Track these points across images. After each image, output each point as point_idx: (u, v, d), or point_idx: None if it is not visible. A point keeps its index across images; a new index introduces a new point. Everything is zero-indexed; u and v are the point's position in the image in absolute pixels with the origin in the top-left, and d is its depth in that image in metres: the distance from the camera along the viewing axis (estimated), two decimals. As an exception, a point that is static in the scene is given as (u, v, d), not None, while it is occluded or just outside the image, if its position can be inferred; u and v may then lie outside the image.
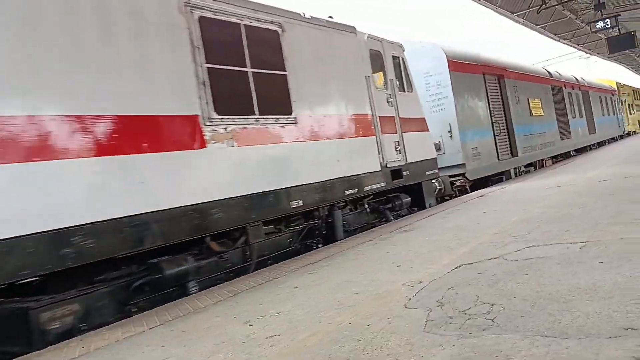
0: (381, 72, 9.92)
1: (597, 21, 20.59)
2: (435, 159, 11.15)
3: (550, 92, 19.89)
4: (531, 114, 17.36)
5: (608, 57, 38.94)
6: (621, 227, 5.30)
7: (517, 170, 16.03)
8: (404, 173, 9.80)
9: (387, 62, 9.98)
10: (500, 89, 15.89)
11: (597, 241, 4.88)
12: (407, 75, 10.62)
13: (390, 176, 9.36)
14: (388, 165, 9.25)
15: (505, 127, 15.61)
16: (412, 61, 11.50)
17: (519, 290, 3.80)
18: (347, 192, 8.24)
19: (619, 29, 21.95)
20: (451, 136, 12.80)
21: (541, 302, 3.45)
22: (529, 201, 8.81)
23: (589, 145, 25.29)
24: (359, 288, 4.73)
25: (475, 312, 3.49)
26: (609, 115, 30.18)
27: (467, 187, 12.98)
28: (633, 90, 41.47)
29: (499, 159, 14.71)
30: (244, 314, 4.52)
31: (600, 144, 27.58)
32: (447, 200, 12.19)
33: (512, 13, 23.60)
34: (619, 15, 20.84)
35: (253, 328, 4.04)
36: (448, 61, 12.98)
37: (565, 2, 23.15)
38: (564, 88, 21.65)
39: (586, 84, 25.72)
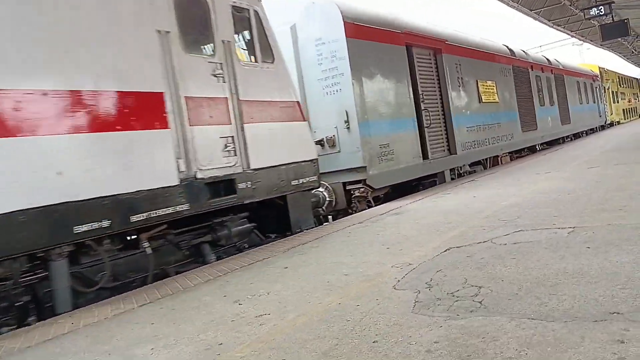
0: (203, 30, 6.62)
1: (591, 8, 20.58)
2: (313, 160, 7.85)
3: (511, 73, 16.58)
4: (480, 100, 14.11)
5: (601, 45, 38.97)
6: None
7: (458, 171, 12.86)
8: (241, 185, 6.58)
9: (216, 15, 6.61)
10: (437, 67, 12.42)
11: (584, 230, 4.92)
12: (263, 38, 7.26)
13: (207, 192, 6.14)
14: (200, 176, 6.01)
15: (441, 117, 12.31)
16: (303, 25, 9.45)
17: (507, 273, 3.84)
18: (80, 229, 4.87)
19: (612, 17, 21.98)
20: (348, 128, 9.28)
21: (528, 285, 3.49)
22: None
23: (562, 138, 22.33)
24: (348, 269, 4.76)
25: (463, 294, 3.53)
26: (588, 103, 27.09)
27: (370, 199, 9.64)
28: (618, 76, 40.16)
29: (427, 158, 11.27)
30: (234, 293, 4.54)
31: (577, 136, 24.93)
32: (340, 217, 9.11)
33: (507, -3, 23.51)
34: (613, 2, 20.82)
35: (243, 307, 4.06)
36: (345, 23, 9.25)
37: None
38: (530, 70, 18.42)
39: (561, 67, 22.55)
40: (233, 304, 4.20)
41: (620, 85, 40.54)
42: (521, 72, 17.56)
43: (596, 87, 29.48)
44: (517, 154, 17.29)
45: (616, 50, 47.01)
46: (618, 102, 39.08)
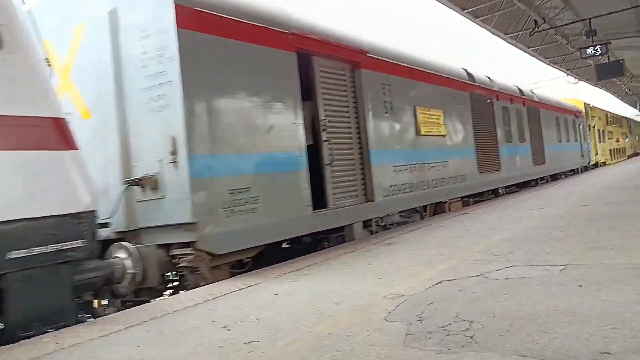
0: None
1: (587, 47, 20.95)
2: (81, 214, 4.98)
3: (468, 102, 13.54)
4: (419, 133, 10.96)
5: (596, 84, 39.63)
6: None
7: (377, 224, 9.58)
8: None
9: None
10: (355, 85, 9.24)
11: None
12: None
13: None
14: None
15: (355, 152, 9.13)
16: (126, 9, 6.55)
17: (499, 308, 3.83)
18: None
19: (608, 57, 22.36)
20: (175, 163, 6.09)
21: (520, 322, 3.47)
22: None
23: (535, 180, 19.23)
24: (339, 298, 4.72)
25: (454, 328, 3.50)
26: (568, 141, 23.87)
27: (206, 272, 6.18)
28: (606, 114, 37.43)
29: (323, 208, 8.17)
30: (223, 318, 4.49)
31: (555, 178, 21.96)
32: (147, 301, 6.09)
33: (505, 34, 23.96)
34: (609, 42, 21.23)
35: (231, 333, 4.01)
36: (177, 8, 6.16)
37: (557, 26, 23.54)
38: (495, 100, 15.39)
39: (536, 99, 19.61)
40: (222, 329, 4.15)
41: (608, 123, 37.52)
42: (482, 101, 14.48)
43: (579, 125, 26.40)
44: (478, 198, 14.36)
45: (611, 89, 47.80)
46: (604, 141, 35.46)
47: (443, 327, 3.55)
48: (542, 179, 20.09)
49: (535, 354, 2.89)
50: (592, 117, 31.36)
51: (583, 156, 26.79)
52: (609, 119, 38.72)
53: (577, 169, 25.91)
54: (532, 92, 19.94)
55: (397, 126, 10.38)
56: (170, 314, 4.86)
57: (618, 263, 4.84)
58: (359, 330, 3.69)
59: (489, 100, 15.00)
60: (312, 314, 4.29)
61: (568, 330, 3.20)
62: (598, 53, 20.86)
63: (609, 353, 2.77)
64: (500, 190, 15.87)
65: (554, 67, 32.98)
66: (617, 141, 41.93)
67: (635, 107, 61.23)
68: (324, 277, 5.82)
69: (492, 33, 23.49)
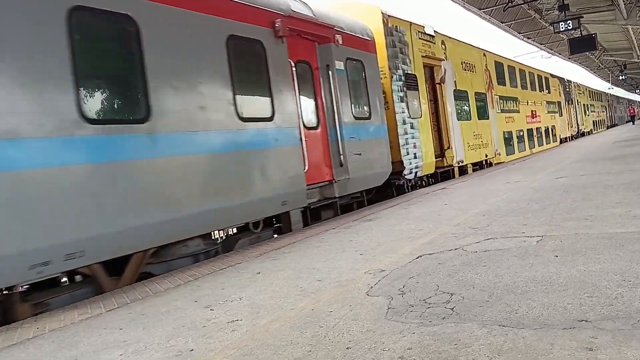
0: None
1: (560, 22, 21.08)
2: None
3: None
4: None
5: (569, 58, 40.04)
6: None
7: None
8: None
9: None
10: None
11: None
12: None
13: None
14: None
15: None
16: None
17: (478, 280, 3.89)
18: None
19: (580, 31, 22.55)
20: None
21: (499, 292, 3.54)
22: None
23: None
24: (321, 275, 4.75)
25: (435, 301, 3.55)
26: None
27: None
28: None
29: None
30: (205, 298, 4.49)
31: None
32: None
33: (480, 9, 23.99)
34: (582, 17, 21.39)
35: (214, 312, 4.01)
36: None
37: (530, 1, 23.62)
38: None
39: None
40: (204, 309, 4.15)
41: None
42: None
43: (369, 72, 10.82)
44: None
45: (584, 64, 48.38)
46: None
47: (424, 300, 3.61)
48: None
49: (514, 323, 2.95)
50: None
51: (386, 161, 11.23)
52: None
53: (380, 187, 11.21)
54: None
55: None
56: (152, 295, 4.84)
57: (593, 233, 4.95)
58: (341, 306, 3.72)
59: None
60: (295, 292, 4.31)
61: (546, 299, 3.27)
62: (570, 27, 20.99)
63: (586, 320, 2.84)
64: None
65: (528, 42, 33.16)
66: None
67: (608, 81, 62.14)
68: (305, 255, 5.84)
69: (466, 9, 23.49)
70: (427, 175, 13.19)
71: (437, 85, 14.54)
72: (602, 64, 49.34)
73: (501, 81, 20.05)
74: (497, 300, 3.38)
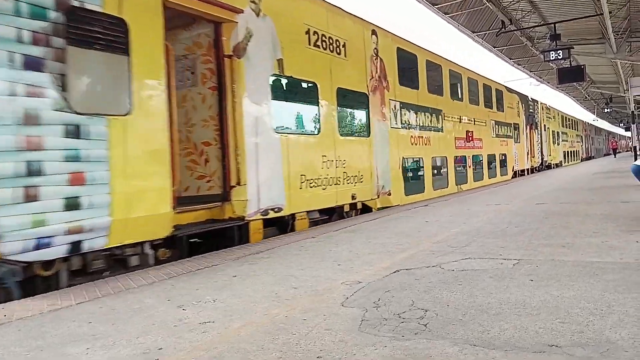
0: None
1: (550, 51, 21.42)
2: None
3: None
4: None
5: (557, 87, 40.68)
6: (553, 249, 5.49)
7: None
8: None
9: None
10: None
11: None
12: None
13: None
14: None
15: None
16: None
17: (453, 298, 3.91)
18: None
19: (570, 61, 22.92)
20: None
21: (472, 312, 3.55)
22: None
23: None
24: (298, 283, 4.73)
25: (409, 316, 3.55)
26: None
27: None
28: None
29: None
30: (179, 297, 4.44)
31: None
32: None
33: (473, 32, 24.31)
34: (572, 48, 21.76)
35: (186, 313, 3.97)
36: None
37: (523, 28, 23.99)
38: None
39: None
40: (177, 308, 4.10)
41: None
42: None
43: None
44: None
45: (571, 94, 49.20)
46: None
47: (398, 314, 3.60)
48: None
49: (485, 343, 2.96)
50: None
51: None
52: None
53: None
54: None
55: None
56: (124, 291, 4.78)
57: (568, 260, 5.00)
58: (315, 315, 3.70)
59: None
60: (270, 297, 4.28)
61: (518, 322, 3.29)
62: (560, 57, 21.34)
63: (556, 346, 2.86)
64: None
65: (517, 68, 33.64)
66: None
67: (594, 113, 63.18)
68: (283, 262, 5.81)
69: (460, 30, 23.78)
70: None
71: (227, 61, 7.59)
72: (588, 96, 50.24)
73: (410, 82, 13.37)
74: (470, 320, 3.39)
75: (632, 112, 31.71)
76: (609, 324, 3.14)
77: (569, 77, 22.88)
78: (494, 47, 27.21)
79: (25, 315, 4.08)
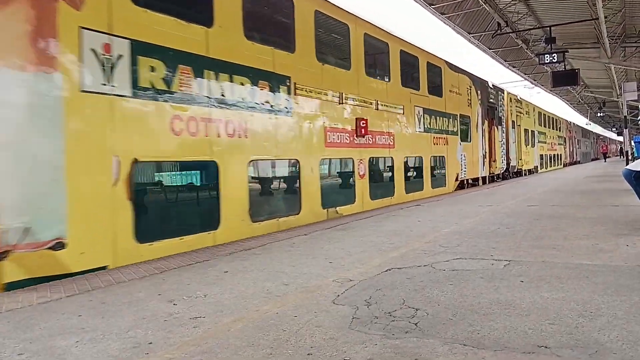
0: None
1: (545, 54, 21.50)
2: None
3: None
4: None
5: (550, 90, 40.85)
6: (544, 251, 5.52)
7: None
8: None
9: None
10: None
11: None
12: None
13: None
14: None
15: None
16: None
17: (444, 298, 3.92)
18: None
19: (564, 65, 23.02)
20: None
21: (463, 312, 3.57)
22: None
23: None
24: (289, 279, 4.73)
25: (400, 314, 3.56)
26: None
27: None
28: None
29: None
30: (169, 292, 4.43)
31: None
32: None
33: (469, 34, 24.34)
34: (567, 51, 21.85)
35: (177, 307, 3.96)
36: None
37: (518, 31, 24.06)
38: None
39: None
40: (167, 303, 4.09)
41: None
42: None
43: None
44: None
45: (564, 97, 49.40)
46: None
47: (389, 312, 3.61)
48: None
49: (475, 343, 2.98)
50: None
51: None
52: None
53: None
54: None
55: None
56: (114, 284, 4.76)
57: (558, 262, 5.03)
58: (306, 312, 3.70)
59: None
60: (261, 293, 4.28)
61: (508, 322, 3.31)
62: (555, 60, 21.41)
63: (545, 347, 2.88)
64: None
65: (512, 71, 33.73)
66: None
67: (587, 117, 63.47)
68: (275, 258, 5.81)
69: (456, 31, 23.81)
70: None
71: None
72: (582, 100, 50.45)
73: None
74: (460, 319, 3.40)
75: (625, 116, 31.83)
76: (598, 326, 3.16)
77: (563, 80, 22.99)
78: (489, 49, 27.27)
79: (14, 307, 4.06)
